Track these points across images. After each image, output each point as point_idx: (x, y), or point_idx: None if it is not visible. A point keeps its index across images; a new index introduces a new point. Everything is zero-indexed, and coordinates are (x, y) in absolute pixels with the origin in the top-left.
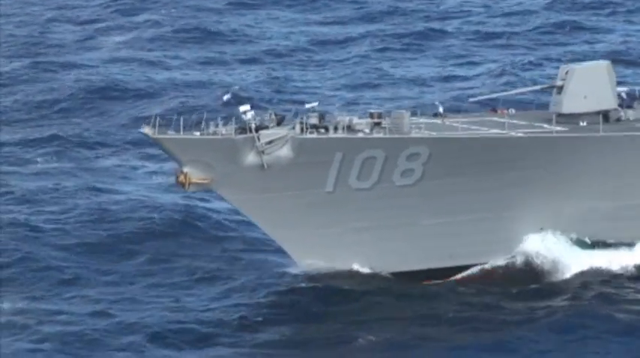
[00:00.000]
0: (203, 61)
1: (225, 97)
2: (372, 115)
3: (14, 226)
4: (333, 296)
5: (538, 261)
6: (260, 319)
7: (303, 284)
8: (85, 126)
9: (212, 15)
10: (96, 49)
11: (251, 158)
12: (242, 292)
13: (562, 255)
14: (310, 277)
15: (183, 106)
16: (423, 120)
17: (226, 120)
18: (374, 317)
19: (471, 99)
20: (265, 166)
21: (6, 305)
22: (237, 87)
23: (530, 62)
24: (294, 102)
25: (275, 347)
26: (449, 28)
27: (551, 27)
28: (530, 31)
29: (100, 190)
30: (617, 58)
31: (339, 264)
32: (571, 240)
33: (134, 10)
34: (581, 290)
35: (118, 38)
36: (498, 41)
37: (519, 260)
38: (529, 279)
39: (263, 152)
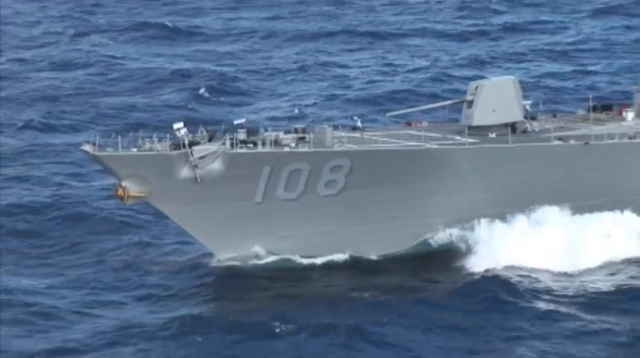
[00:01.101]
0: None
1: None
2: (296, 130)
3: None
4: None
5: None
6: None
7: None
8: None
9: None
10: None
11: (185, 172)
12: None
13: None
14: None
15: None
16: (343, 134)
17: (161, 137)
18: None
19: (388, 114)
20: (198, 179)
21: None
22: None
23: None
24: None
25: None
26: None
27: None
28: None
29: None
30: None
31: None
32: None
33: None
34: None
35: None
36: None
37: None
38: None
39: (196, 166)
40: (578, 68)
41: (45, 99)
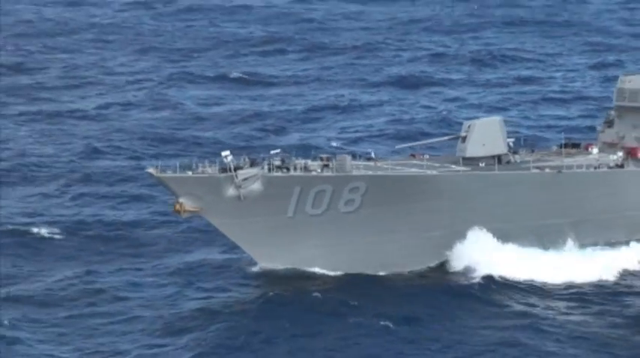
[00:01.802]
0: None
1: None
2: (322, 159)
3: None
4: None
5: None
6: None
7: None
8: None
9: None
10: None
11: (230, 191)
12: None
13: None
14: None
15: None
16: (360, 162)
17: (212, 162)
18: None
19: (397, 147)
20: (242, 198)
21: None
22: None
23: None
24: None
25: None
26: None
27: None
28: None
29: None
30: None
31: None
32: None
33: None
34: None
35: None
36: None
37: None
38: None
39: (240, 187)
40: (558, 113)
41: (137, 134)
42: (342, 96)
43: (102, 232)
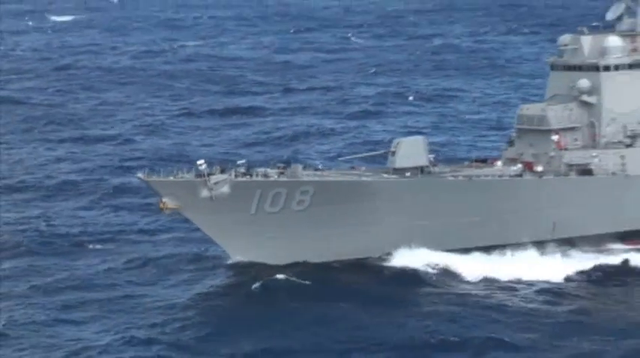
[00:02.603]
0: None
1: None
2: (278, 167)
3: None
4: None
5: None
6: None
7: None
8: None
9: None
10: None
11: (204, 193)
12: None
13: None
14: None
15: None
16: (310, 171)
17: (189, 169)
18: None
19: (339, 159)
20: (213, 198)
21: None
22: None
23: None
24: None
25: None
26: None
27: None
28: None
29: None
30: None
31: (258, 260)
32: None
33: None
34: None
35: None
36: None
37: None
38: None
39: (211, 189)
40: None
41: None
42: (313, 125)
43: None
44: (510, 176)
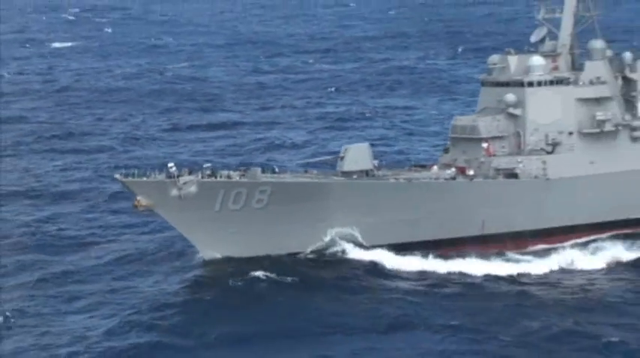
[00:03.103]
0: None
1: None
2: (240, 170)
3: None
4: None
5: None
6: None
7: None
8: None
9: None
10: None
11: (174, 192)
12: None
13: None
14: (207, 262)
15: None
16: (268, 174)
17: (161, 171)
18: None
19: (296, 163)
20: (182, 197)
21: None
22: None
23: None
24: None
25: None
26: None
27: None
28: None
29: None
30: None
31: (223, 253)
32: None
33: None
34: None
35: None
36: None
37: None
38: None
39: (180, 189)
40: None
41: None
42: (285, 136)
43: None
44: (445, 179)
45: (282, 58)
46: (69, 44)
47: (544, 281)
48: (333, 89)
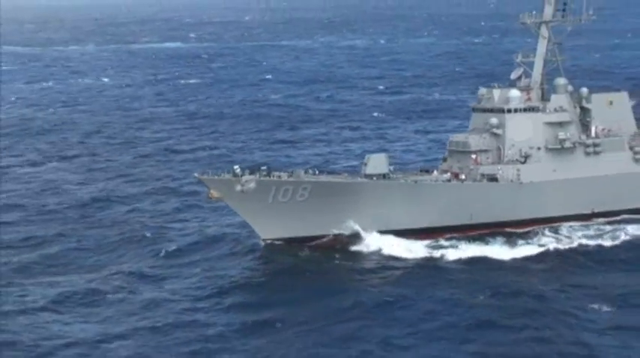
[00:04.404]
0: None
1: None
2: (288, 172)
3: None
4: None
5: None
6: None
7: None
8: None
9: None
10: None
11: (238, 187)
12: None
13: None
14: (268, 246)
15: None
16: (309, 174)
17: (228, 171)
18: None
19: (330, 167)
20: (243, 191)
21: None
22: None
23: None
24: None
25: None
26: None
27: None
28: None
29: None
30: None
31: (275, 236)
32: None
33: None
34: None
35: None
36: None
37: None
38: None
39: (243, 185)
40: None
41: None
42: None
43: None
44: (443, 181)
45: (347, 90)
46: (193, 81)
47: (516, 262)
48: (375, 114)
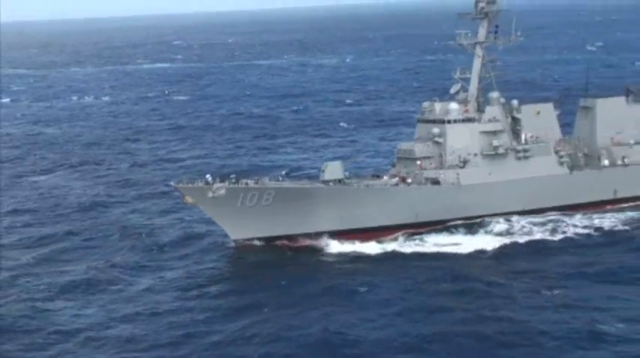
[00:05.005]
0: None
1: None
2: (254, 179)
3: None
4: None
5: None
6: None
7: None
8: None
9: None
10: None
11: (210, 194)
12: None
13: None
14: (238, 247)
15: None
16: (273, 181)
17: (200, 179)
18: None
19: (291, 174)
20: (214, 197)
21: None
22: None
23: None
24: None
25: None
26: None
27: None
28: None
29: None
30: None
31: (243, 236)
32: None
33: None
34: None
35: None
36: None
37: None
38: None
39: (214, 192)
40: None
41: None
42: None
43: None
44: (392, 185)
45: (318, 103)
46: (182, 97)
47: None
48: (342, 124)
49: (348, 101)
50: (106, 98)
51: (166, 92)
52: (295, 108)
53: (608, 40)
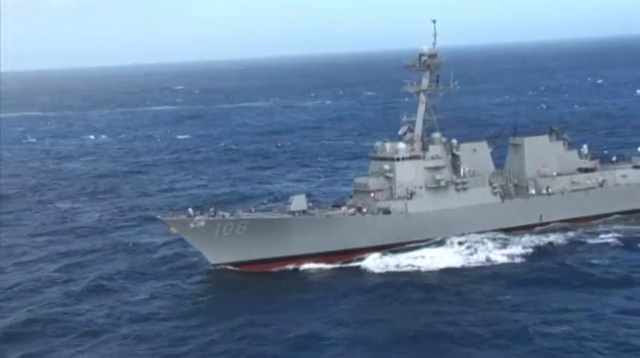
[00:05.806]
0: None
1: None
2: (229, 212)
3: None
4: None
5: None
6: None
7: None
8: None
9: None
10: None
11: (191, 225)
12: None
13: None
14: (218, 270)
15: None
16: (246, 213)
17: (183, 212)
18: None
19: (262, 206)
20: (195, 228)
21: None
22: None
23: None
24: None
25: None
26: None
27: None
28: None
29: None
30: None
31: (221, 261)
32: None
33: None
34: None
35: None
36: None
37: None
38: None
39: (195, 224)
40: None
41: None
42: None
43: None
44: (349, 214)
45: (300, 139)
46: (183, 136)
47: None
48: (319, 158)
49: (325, 138)
50: (119, 136)
51: (169, 131)
52: (280, 144)
53: (550, 85)
